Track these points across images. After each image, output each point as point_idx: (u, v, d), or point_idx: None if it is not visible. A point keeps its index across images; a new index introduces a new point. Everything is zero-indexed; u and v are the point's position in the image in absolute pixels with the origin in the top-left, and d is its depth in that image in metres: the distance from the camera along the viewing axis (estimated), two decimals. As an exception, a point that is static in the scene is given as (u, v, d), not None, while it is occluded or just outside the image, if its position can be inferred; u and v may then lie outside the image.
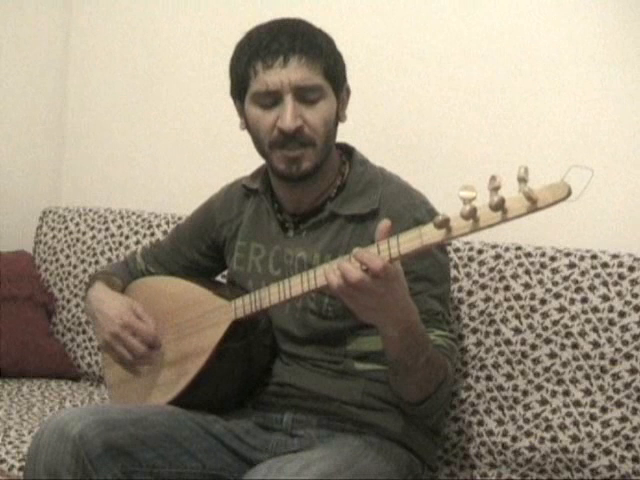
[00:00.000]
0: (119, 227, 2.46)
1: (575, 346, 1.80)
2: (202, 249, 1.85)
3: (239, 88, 1.63)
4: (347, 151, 1.72)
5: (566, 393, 1.80)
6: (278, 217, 1.71)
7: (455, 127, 2.13)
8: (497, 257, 1.90)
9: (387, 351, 1.47)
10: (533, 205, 1.19)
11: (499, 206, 1.20)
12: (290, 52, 1.55)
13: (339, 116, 1.64)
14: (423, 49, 2.17)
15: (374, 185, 1.66)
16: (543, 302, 1.83)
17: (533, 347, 1.83)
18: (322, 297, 1.63)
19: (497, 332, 1.87)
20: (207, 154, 2.54)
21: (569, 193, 1.18)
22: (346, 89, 1.66)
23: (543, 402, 1.82)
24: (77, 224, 2.54)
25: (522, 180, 1.18)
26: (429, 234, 1.28)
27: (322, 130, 1.59)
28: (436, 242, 1.29)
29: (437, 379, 1.51)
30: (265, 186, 1.73)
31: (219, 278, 1.96)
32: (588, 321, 1.79)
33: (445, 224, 1.25)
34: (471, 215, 1.22)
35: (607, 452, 1.75)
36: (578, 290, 1.81)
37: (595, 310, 1.79)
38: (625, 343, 1.76)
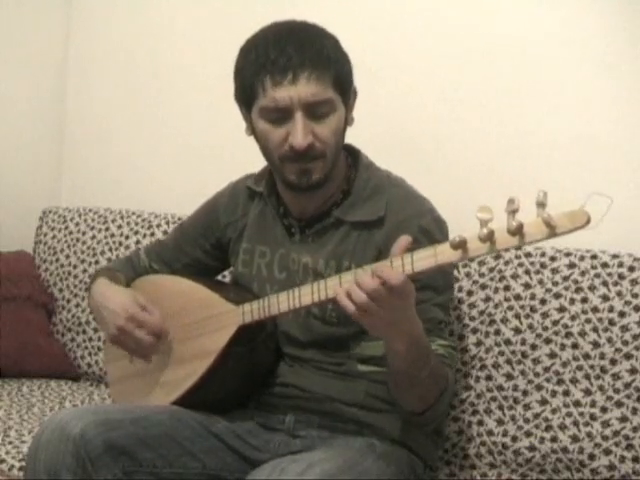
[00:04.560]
0: (119, 227, 2.46)
1: (575, 346, 1.80)
2: (206, 248, 1.84)
3: (245, 97, 1.60)
4: (352, 153, 1.71)
5: (566, 393, 1.80)
6: (284, 221, 1.71)
7: (460, 130, 2.12)
8: (497, 257, 1.90)
9: (391, 364, 1.46)
10: (552, 231, 1.19)
11: (517, 231, 1.20)
12: (299, 68, 1.51)
13: (347, 121, 1.63)
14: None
15: (380, 191, 1.65)
16: (543, 302, 1.83)
17: (533, 347, 1.83)
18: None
19: (497, 332, 1.87)
20: (207, 154, 2.54)
21: (588, 221, 1.18)
22: (353, 92, 1.64)
23: (543, 402, 1.82)
24: (77, 224, 2.54)
25: (541, 205, 1.18)
26: (444, 254, 1.28)
27: (332, 142, 1.57)
28: (450, 262, 1.29)
29: (439, 390, 1.51)
30: (270, 189, 1.72)
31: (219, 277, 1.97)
32: (588, 321, 1.79)
33: (462, 245, 1.25)
34: (488, 238, 1.22)
35: (607, 452, 1.75)
36: (578, 290, 1.81)
37: (595, 310, 1.79)
38: (625, 343, 1.76)
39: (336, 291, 1.37)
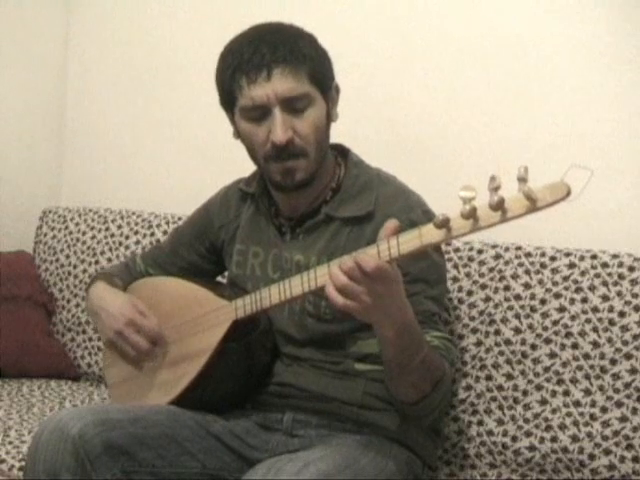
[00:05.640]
0: (119, 227, 2.46)
1: (575, 346, 1.80)
2: (201, 251, 1.85)
3: (227, 100, 1.63)
4: (342, 152, 1.72)
5: (566, 393, 1.80)
6: (274, 221, 1.71)
7: (452, 126, 2.13)
8: (497, 257, 1.90)
9: (383, 351, 1.47)
10: (533, 205, 1.19)
11: (499, 206, 1.20)
12: (273, 64, 1.54)
13: (330, 116, 1.64)
14: (421, 48, 2.16)
15: (369, 187, 1.66)
16: (543, 302, 1.83)
17: (533, 347, 1.83)
18: (320, 300, 1.63)
19: (497, 332, 1.87)
20: (207, 154, 2.54)
21: (568, 193, 1.18)
22: (335, 87, 1.65)
23: (543, 402, 1.82)
24: (77, 224, 2.54)
25: (522, 180, 1.18)
26: (429, 234, 1.28)
27: (313, 138, 1.58)
28: (436, 242, 1.29)
29: (433, 379, 1.50)
30: (261, 190, 1.73)
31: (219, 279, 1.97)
32: (588, 321, 1.79)
33: (445, 224, 1.25)
34: (471, 215, 1.22)
35: (607, 452, 1.75)
36: (578, 290, 1.81)
37: (595, 310, 1.79)
38: (625, 343, 1.76)
39: (325, 279, 1.37)
